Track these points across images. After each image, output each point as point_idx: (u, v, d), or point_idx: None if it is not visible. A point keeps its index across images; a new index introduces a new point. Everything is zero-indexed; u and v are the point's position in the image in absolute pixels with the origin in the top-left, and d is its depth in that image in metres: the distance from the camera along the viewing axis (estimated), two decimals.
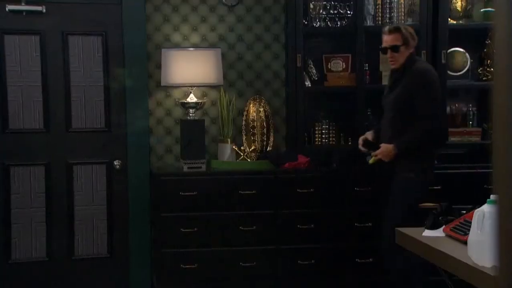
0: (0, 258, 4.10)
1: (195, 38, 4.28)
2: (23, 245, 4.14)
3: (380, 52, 3.79)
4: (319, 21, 4.17)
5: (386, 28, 3.52)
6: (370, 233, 3.96)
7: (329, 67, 4.26)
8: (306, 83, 4.17)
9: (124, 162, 4.19)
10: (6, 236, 4.10)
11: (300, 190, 3.83)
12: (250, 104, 4.27)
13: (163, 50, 4.11)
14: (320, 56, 4.27)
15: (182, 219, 3.83)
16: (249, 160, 4.14)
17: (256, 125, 4.28)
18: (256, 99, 4.31)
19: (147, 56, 4.18)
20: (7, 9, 3.98)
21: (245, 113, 4.29)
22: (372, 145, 3.53)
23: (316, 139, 4.24)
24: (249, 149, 4.21)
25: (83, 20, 4.11)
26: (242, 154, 4.18)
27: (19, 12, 4.00)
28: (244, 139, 4.25)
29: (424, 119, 3.31)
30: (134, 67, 4.15)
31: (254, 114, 4.28)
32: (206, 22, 4.29)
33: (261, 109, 4.29)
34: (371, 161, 3.50)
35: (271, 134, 4.27)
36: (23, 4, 3.99)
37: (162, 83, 4.11)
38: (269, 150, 4.21)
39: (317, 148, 4.21)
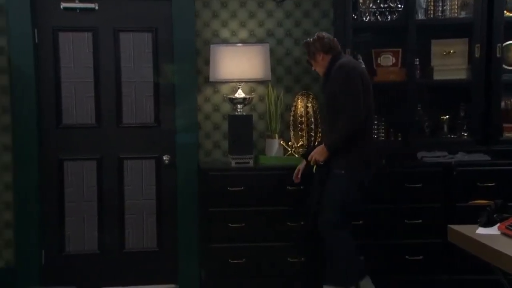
0: (54, 251, 4.21)
1: (243, 33, 4.29)
2: (76, 238, 4.24)
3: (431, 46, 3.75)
4: (368, 15, 4.12)
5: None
6: (420, 230, 3.91)
7: (379, 62, 4.20)
8: None
9: (172, 157, 4.23)
10: (60, 229, 4.21)
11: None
12: (298, 99, 4.26)
13: (211, 46, 4.13)
14: (369, 51, 4.21)
15: (229, 214, 3.85)
16: (296, 155, 4.11)
17: (304, 120, 4.26)
18: (304, 94, 4.29)
19: (196, 52, 4.22)
20: (61, 6, 4.09)
21: (293, 108, 4.28)
22: (306, 156, 3.67)
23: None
24: (297, 144, 4.19)
25: (134, 17, 4.18)
26: (289, 149, 4.16)
27: (73, 9, 4.10)
28: (291, 134, 4.24)
29: (343, 113, 3.38)
30: (183, 63, 4.19)
31: (302, 109, 4.26)
32: (255, 18, 4.30)
33: (309, 105, 4.26)
34: (314, 169, 3.60)
35: (319, 129, 4.25)
36: (77, 1, 4.09)
37: (211, 79, 4.14)
38: (316, 146, 4.14)
39: None
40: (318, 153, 3.55)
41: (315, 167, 3.59)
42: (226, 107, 4.27)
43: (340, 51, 3.61)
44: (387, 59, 4.18)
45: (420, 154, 4.06)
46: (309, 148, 4.06)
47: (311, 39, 3.63)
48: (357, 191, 3.51)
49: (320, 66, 3.63)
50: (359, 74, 3.44)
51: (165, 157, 4.25)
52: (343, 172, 3.46)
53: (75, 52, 4.16)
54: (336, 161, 3.50)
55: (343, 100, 3.39)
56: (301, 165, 3.74)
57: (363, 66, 3.89)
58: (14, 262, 4.15)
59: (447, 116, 4.19)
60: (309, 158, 3.61)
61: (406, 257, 3.95)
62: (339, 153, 3.48)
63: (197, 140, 4.26)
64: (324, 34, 3.66)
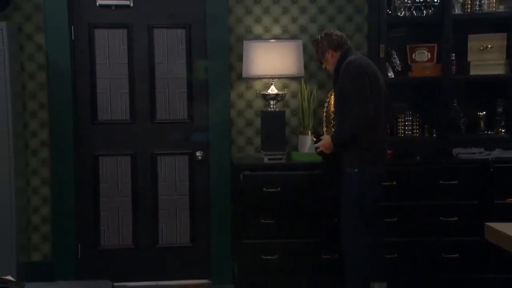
0: (89, 245, 4.27)
1: (276, 29, 4.28)
2: (111, 232, 4.29)
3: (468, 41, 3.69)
4: (403, 10, 4.06)
5: None
6: (456, 228, 3.87)
7: (414, 57, 4.15)
8: (389, 74, 4.08)
9: (206, 153, 4.25)
10: (95, 224, 4.26)
11: (383, 183, 3.67)
12: (331, 95, 4.18)
13: (244, 42, 4.13)
14: (404, 46, 4.16)
15: (262, 210, 3.84)
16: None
17: None
18: None
19: (229, 48, 4.22)
20: (97, 4, 4.14)
21: (326, 104, 4.24)
22: (319, 138, 3.72)
23: (399, 131, 4.16)
24: None
25: (168, 14, 4.19)
26: None
27: (109, 6, 4.14)
28: (324, 130, 4.19)
29: (350, 109, 3.36)
30: (216, 59, 4.20)
31: None
32: (288, 14, 4.28)
33: None
34: (317, 151, 3.66)
35: None
36: None
37: (243, 75, 4.14)
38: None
39: (400, 140, 4.13)
40: (325, 145, 3.57)
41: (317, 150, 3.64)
42: (259, 103, 4.27)
43: (349, 48, 3.58)
44: (422, 55, 4.13)
45: (455, 151, 4.01)
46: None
47: (319, 37, 3.62)
48: (373, 189, 3.46)
49: (330, 63, 3.61)
50: (366, 71, 3.40)
51: (198, 153, 4.27)
52: (356, 170, 3.43)
53: (110, 49, 4.20)
54: (347, 159, 3.48)
55: (350, 99, 3.39)
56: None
57: (373, 63, 3.69)
58: (51, 256, 4.22)
59: (484, 112, 4.13)
60: (315, 146, 3.64)
61: (442, 254, 3.90)
62: (350, 151, 3.45)
63: (230, 136, 4.26)
64: (332, 31, 3.65)
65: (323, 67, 3.75)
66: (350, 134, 3.41)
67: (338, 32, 3.64)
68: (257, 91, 4.24)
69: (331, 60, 3.58)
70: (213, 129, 4.23)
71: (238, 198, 3.93)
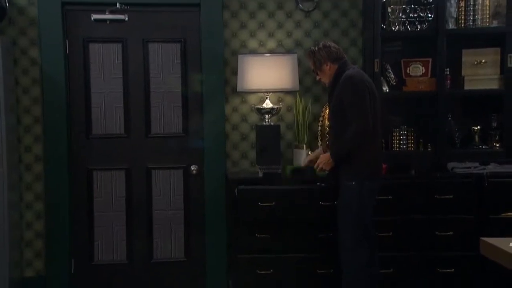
0: (83, 260, 4.21)
1: (271, 43, 4.28)
2: (105, 247, 4.24)
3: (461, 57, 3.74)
4: (398, 25, 4.08)
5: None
6: (452, 242, 3.86)
7: (408, 72, 4.16)
8: (384, 88, 4.10)
9: (200, 167, 4.22)
10: (89, 239, 4.21)
11: (377, 197, 3.67)
12: (326, 109, 4.20)
13: (239, 56, 4.13)
14: (398, 61, 4.18)
15: (258, 224, 3.81)
16: None
17: None
18: None
19: (224, 62, 4.21)
20: (92, 18, 4.11)
21: (321, 118, 4.25)
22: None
23: (394, 145, 4.17)
24: None
25: (163, 27, 4.18)
26: None
27: (103, 21, 4.12)
28: (319, 144, 4.17)
29: (351, 123, 3.34)
30: (211, 73, 4.18)
31: None
32: (283, 28, 4.28)
33: None
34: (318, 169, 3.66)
35: None
36: (107, 13, 4.11)
37: (238, 89, 4.13)
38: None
39: (395, 153, 4.12)
40: (324, 162, 3.54)
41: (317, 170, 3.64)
42: (254, 117, 4.25)
43: (346, 61, 3.56)
44: (416, 69, 4.14)
45: (450, 165, 4.01)
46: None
47: (317, 48, 3.59)
48: (371, 202, 3.46)
49: (326, 75, 3.58)
50: (367, 86, 3.40)
51: (192, 167, 4.25)
52: (353, 183, 3.42)
53: (105, 63, 4.18)
54: (346, 173, 3.46)
55: (350, 112, 3.36)
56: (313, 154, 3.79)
57: (368, 77, 3.72)
58: (44, 271, 4.17)
59: (479, 127, 4.14)
60: (315, 166, 3.61)
61: (438, 269, 3.88)
62: (347, 164, 3.44)
63: (224, 150, 4.23)
64: (330, 43, 3.63)
65: (318, 79, 3.71)
66: (351, 148, 3.40)
67: (336, 45, 3.63)
68: (252, 105, 4.23)
69: (328, 72, 3.56)
70: (207, 142, 4.20)
71: (233, 213, 3.90)
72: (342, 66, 3.51)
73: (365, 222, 3.44)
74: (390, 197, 3.81)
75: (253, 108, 4.20)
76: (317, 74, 3.65)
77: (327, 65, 3.55)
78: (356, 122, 3.34)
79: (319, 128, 4.24)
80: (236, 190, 3.80)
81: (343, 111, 3.40)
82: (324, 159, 3.54)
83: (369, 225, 3.47)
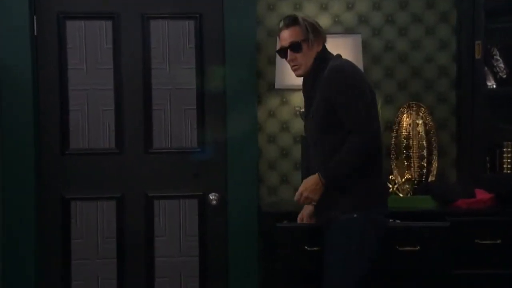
0: None
1: (324, 19, 3.66)
2: None
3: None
4: None
5: (282, 22, 3.05)
6: None
7: None
8: (489, 83, 3.60)
9: (223, 196, 3.71)
10: None
11: (480, 241, 3.27)
12: (403, 114, 3.72)
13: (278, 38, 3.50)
14: (510, 44, 3.61)
15: (303, 275, 3.17)
16: (401, 194, 3.55)
17: (412, 144, 3.72)
18: (413, 107, 3.72)
19: (257, 47, 3.68)
20: None
21: (395, 127, 3.73)
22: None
23: (504, 165, 3.61)
24: (402, 179, 3.66)
25: None
26: (391, 185, 3.56)
27: None
28: (394, 164, 3.70)
29: (349, 132, 2.90)
30: (238, 63, 3.67)
31: (409, 128, 3.74)
32: None
33: (420, 122, 3.72)
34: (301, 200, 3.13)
35: (435, 157, 3.71)
36: None
37: (277, 85, 3.59)
38: (431, 181, 3.67)
39: (506, 178, 3.57)
40: (311, 189, 2.98)
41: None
42: (298, 125, 3.65)
43: (325, 47, 3.05)
44: None
45: None
46: (424, 184, 3.53)
47: (300, 18, 3.01)
48: (378, 240, 2.92)
49: (306, 58, 2.99)
50: (365, 80, 2.97)
51: (212, 196, 3.68)
52: (355, 216, 2.88)
53: (89, 48, 3.65)
54: (343, 202, 2.91)
55: (347, 118, 2.86)
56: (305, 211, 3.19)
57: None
58: None
59: None
60: (295, 197, 3.02)
61: None
62: (343, 190, 2.92)
63: (257, 172, 3.69)
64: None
65: (288, 61, 3.02)
66: (353, 167, 2.89)
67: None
68: (296, 108, 3.66)
69: (309, 53, 2.99)
70: (233, 162, 3.63)
71: (269, 260, 3.44)
72: (324, 52, 3.00)
73: (366, 271, 2.88)
74: (499, 241, 3.27)
75: (297, 112, 3.63)
76: (295, 52, 2.98)
77: (315, 43, 2.97)
78: (358, 131, 2.85)
79: (393, 140, 3.66)
80: (274, 228, 3.28)
81: (332, 117, 2.90)
82: (308, 185, 2.98)
83: (370, 276, 2.92)
